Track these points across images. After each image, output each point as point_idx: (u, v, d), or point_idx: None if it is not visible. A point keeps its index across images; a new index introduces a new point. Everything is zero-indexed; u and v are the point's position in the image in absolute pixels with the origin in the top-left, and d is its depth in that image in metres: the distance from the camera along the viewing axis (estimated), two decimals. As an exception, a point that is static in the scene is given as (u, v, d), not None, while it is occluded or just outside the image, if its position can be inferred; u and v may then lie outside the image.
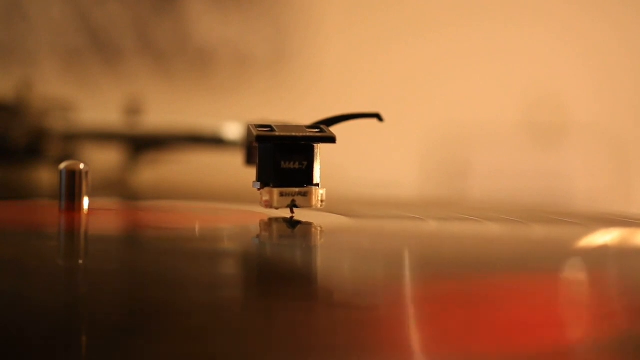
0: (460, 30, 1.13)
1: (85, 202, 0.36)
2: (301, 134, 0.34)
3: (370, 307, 0.23)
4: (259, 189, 0.35)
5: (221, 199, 0.50)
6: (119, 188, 0.57)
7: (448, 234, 0.37)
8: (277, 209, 0.34)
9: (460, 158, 1.10)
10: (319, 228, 0.36)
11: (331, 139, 0.34)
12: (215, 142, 0.57)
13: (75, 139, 0.60)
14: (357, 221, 0.37)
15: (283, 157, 0.34)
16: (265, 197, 0.34)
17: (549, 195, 1.08)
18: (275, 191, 0.34)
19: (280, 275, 0.28)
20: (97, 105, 0.62)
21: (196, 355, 0.19)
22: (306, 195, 0.34)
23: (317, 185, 0.35)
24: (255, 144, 0.34)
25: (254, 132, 0.34)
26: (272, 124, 0.35)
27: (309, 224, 0.36)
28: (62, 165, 0.36)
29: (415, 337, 0.21)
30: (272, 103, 1.07)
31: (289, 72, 1.12)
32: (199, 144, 0.58)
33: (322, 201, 0.35)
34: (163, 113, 0.59)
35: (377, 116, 0.36)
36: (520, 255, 0.31)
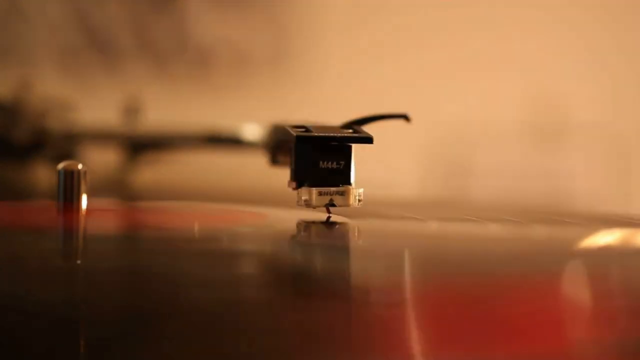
0: (462, 31, 1.13)
1: (84, 202, 0.36)
2: (339, 135, 0.35)
3: (370, 307, 0.23)
4: (294, 189, 0.35)
5: (221, 198, 0.50)
6: (117, 188, 0.56)
7: (449, 235, 0.37)
8: (314, 208, 0.35)
9: (462, 158, 1.10)
10: (319, 228, 0.36)
11: (368, 140, 0.35)
12: (214, 141, 0.57)
13: (74, 139, 0.59)
14: (357, 221, 0.37)
15: (322, 157, 0.35)
16: (305, 197, 0.35)
17: (550, 196, 1.08)
18: (314, 190, 0.34)
19: (280, 274, 0.27)
20: (96, 105, 0.62)
21: (197, 355, 0.19)
22: (344, 194, 0.35)
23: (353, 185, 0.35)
24: (290, 144, 0.35)
25: (293, 133, 0.34)
26: (307, 125, 0.35)
27: (309, 224, 0.36)
28: (61, 166, 0.36)
29: (415, 337, 0.21)
30: (272, 103, 1.07)
31: (289, 72, 1.12)
32: (198, 144, 0.58)
33: (359, 200, 0.35)
34: (162, 113, 0.59)
35: (405, 117, 0.37)
36: (521, 255, 0.31)
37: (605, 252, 0.33)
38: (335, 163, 0.35)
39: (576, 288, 0.26)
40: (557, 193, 1.08)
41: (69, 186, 0.36)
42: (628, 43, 1.14)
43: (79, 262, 0.29)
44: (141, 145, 0.58)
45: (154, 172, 0.60)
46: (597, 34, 1.13)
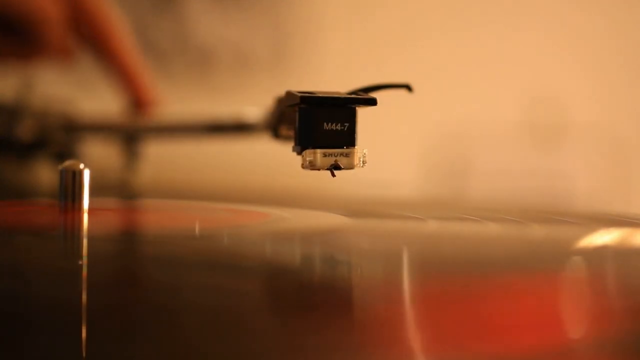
0: (461, 30, 1.13)
1: (85, 201, 0.36)
2: (343, 96, 0.35)
3: (370, 306, 0.24)
4: (299, 153, 0.35)
5: (222, 198, 0.50)
6: (119, 187, 0.57)
7: (448, 234, 0.37)
8: (319, 169, 0.34)
9: (461, 158, 1.10)
10: (320, 227, 0.36)
11: (371, 101, 0.35)
12: (216, 128, 0.56)
13: (76, 138, 0.60)
14: (357, 221, 0.37)
15: (325, 118, 0.34)
16: (309, 158, 0.34)
17: (549, 195, 1.08)
18: (319, 152, 0.34)
19: (280, 275, 0.28)
20: (97, 104, 0.62)
21: (198, 356, 0.19)
22: (348, 155, 0.35)
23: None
24: (294, 114, 0.35)
25: (298, 94, 0.34)
26: (311, 91, 0.35)
27: (309, 224, 0.36)
28: (62, 165, 0.36)
29: (414, 337, 0.21)
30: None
31: (290, 72, 1.12)
32: (200, 132, 0.57)
33: (364, 162, 0.35)
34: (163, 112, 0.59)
35: (407, 87, 0.37)
36: (520, 255, 0.31)
37: (604, 251, 0.34)
38: (339, 125, 0.34)
39: (575, 287, 0.27)
40: (557, 193, 1.08)
41: (71, 185, 0.36)
42: (627, 43, 1.14)
43: (80, 261, 0.29)
44: (143, 138, 0.58)
45: (156, 171, 0.60)
46: (597, 34, 1.13)
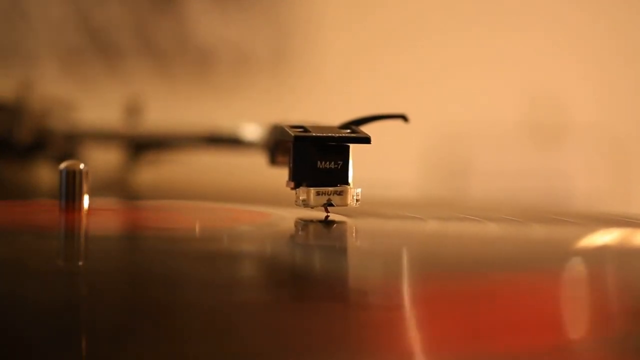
0: (461, 30, 1.13)
1: (85, 202, 0.36)
2: (337, 135, 0.35)
3: (370, 307, 0.24)
4: (292, 189, 0.35)
5: (221, 198, 0.50)
6: (119, 188, 0.57)
7: (448, 234, 0.37)
8: (312, 207, 0.35)
9: (461, 158, 1.10)
10: (318, 227, 0.36)
11: (366, 140, 0.35)
12: (214, 141, 0.57)
13: (76, 139, 0.60)
14: (357, 221, 0.37)
15: (319, 157, 0.35)
16: (303, 197, 0.35)
17: (549, 195, 1.08)
18: (312, 190, 0.35)
19: (280, 274, 0.28)
20: (97, 105, 0.62)
21: (197, 356, 0.19)
22: (342, 194, 0.35)
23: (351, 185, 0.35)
24: (289, 144, 0.35)
25: (292, 133, 0.35)
26: (305, 125, 0.35)
27: (309, 224, 0.36)
28: (62, 165, 0.36)
29: (414, 338, 0.21)
30: (272, 103, 1.07)
31: (290, 72, 1.12)
32: (198, 144, 0.58)
33: (357, 200, 0.35)
34: (163, 113, 0.59)
35: (403, 117, 0.37)
36: (520, 255, 0.31)
37: (604, 251, 0.34)
38: (333, 163, 0.35)
39: (574, 287, 0.27)
40: (557, 193, 1.08)
41: (71, 186, 0.36)
42: (627, 43, 1.14)
43: (80, 262, 0.29)
44: (142, 145, 0.58)
45: (155, 172, 0.60)
46: (597, 34, 1.13)
